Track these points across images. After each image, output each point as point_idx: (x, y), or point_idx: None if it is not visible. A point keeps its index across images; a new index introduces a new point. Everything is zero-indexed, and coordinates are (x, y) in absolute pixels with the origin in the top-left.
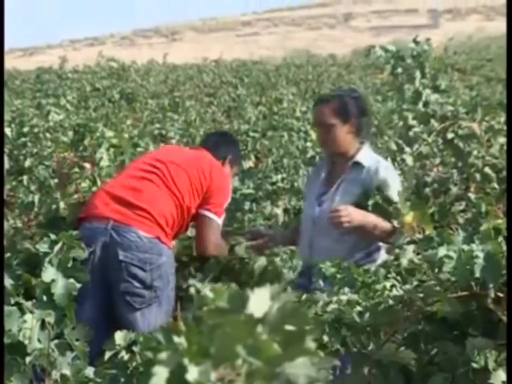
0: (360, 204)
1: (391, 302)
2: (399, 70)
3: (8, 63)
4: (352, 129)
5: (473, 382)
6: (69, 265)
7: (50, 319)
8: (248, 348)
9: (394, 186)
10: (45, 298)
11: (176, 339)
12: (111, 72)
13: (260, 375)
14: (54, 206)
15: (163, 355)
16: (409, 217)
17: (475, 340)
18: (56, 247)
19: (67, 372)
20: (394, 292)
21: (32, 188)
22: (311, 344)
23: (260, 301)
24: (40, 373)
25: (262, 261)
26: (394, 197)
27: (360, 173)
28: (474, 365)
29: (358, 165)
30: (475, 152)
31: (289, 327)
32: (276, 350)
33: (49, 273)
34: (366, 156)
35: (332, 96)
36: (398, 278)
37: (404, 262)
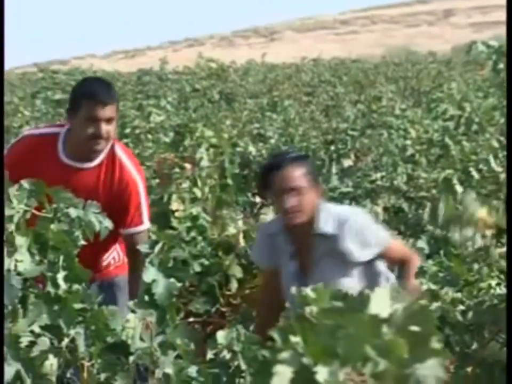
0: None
1: (495, 300)
2: (501, 65)
3: (110, 66)
4: (318, 194)
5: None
6: (170, 265)
7: (152, 318)
8: (377, 348)
9: (370, 227)
10: (146, 298)
11: (293, 339)
12: (210, 72)
13: (389, 376)
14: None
15: (285, 354)
16: (482, 212)
17: None
18: (157, 247)
19: (170, 370)
20: (498, 291)
21: None
22: (437, 345)
23: (381, 301)
24: (143, 371)
25: None
26: (378, 232)
27: (331, 240)
28: None
29: (325, 234)
30: None
31: (414, 328)
32: (405, 350)
33: (150, 273)
34: (327, 219)
35: (298, 157)
36: (502, 276)
37: (502, 261)
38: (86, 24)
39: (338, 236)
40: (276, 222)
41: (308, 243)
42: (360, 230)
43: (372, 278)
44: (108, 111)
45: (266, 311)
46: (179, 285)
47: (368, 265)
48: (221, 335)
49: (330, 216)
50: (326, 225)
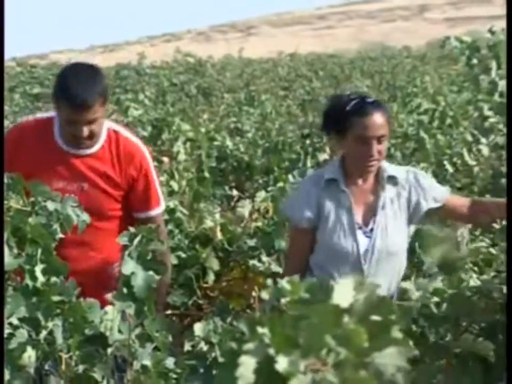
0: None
1: (468, 293)
2: (475, 60)
3: (89, 60)
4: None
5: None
6: (148, 257)
7: (131, 310)
8: (337, 337)
9: (432, 183)
10: (125, 290)
11: (260, 330)
12: (188, 67)
13: (349, 365)
14: None
15: (249, 345)
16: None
17: None
18: (136, 240)
19: (147, 362)
20: (472, 283)
21: None
22: (398, 334)
23: (344, 292)
24: (121, 363)
25: None
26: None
27: (398, 188)
28: None
29: (393, 179)
30: None
31: (375, 317)
32: (365, 339)
33: (129, 265)
34: (391, 166)
35: (380, 103)
36: (475, 268)
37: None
38: (65, 18)
39: (408, 181)
40: (332, 169)
41: (370, 191)
42: (427, 181)
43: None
44: (88, 114)
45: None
46: (157, 277)
47: (410, 229)
48: (198, 327)
49: (389, 164)
50: (396, 171)
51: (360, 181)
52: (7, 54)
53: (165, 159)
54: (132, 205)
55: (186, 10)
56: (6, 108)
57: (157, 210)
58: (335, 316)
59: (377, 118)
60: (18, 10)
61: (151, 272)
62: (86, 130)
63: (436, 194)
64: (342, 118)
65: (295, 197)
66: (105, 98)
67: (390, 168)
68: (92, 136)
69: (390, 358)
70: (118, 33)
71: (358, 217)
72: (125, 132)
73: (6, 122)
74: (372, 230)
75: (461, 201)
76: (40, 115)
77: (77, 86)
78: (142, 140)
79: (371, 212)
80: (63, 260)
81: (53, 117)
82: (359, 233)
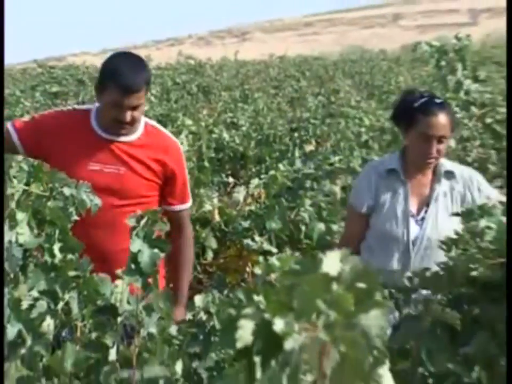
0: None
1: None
2: (443, 63)
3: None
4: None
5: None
6: (153, 237)
7: (138, 284)
8: (327, 302)
9: (487, 185)
10: (132, 266)
11: (256, 297)
12: (189, 68)
13: (338, 326)
14: None
15: (247, 310)
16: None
17: None
18: (142, 222)
19: (153, 330)
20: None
21: None
22: (379, 298)
23: (332, 263)
24: (129, 331)
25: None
26: (493, 192)
27: (452, 182)
28: None
29: (449, 174)
30: None
31: (360, 284)
32: (352, 303)
33: (136, 244)
34: (448, 163)
35: (445, 104)
36: (443, 247)
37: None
38: (80, 25)
39: (462, 177)
40: (393, 160)
41: (426, 183)
42: (481, 180)
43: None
44: (134, 99)
45: None
46: (162, 255)
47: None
48: (198, 299)
49: (448, 161)
50: (451, 166)
51: (418, 174)
52: (29, 57)
53: None
54: (166, 197)
55: (188, 17)
56: (27, 104)
57: (188, 205)
58: (325, 283)
59: (441, 119)
60: (40, 16)
61: (156, 250)
62: (129, 115)
63: (489, 193)
64: (410, 113)
65: (358, 183)
66: (148, 87)
67: (447, 164)
68: (133, 122)
69: (374, 319)
70: (128, 38)
71: (412, 207)
72: (162, 128)
73: (27, 117)
74: (423, 219)
75: None
76: (78, 106)
77: (127, 71)
78: None
79: (424, 203)
80: (93, 240)
81: (89, 109)
82: (411, 221)
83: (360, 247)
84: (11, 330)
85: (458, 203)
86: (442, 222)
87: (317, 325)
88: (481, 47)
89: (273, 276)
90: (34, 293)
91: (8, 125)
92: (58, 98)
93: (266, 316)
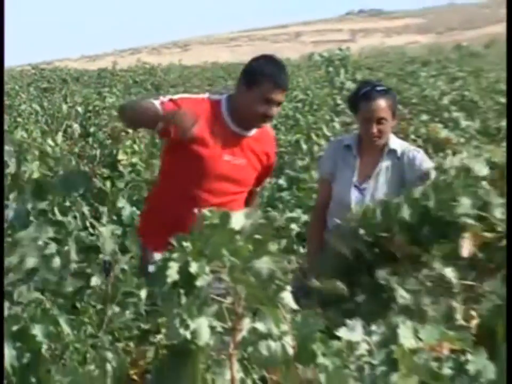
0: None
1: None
2: (330, 68)
3: (80, 66)
4: (394, 125)
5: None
6: (135, 198)
7: (118, 232)
8: (230, 250)
9: (430, 164)
10: (115, 218)
11: (185, 244)
12: (145, 71)
13: (238, 268)
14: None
15: (175, 255)
16: None
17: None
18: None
19: (125, 266)
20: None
21: (95, 145)
22: (273, 248)
23: (238, 219)
24: (108, 266)
25: None
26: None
27: (394, 159)
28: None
29: (392, 152)
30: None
31: (257, 236)
32: (249, 251)
33: (121, 202)
34: (396, 142)
35: (385, 91)
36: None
37: None
38: (63, 36)
39: (403, 155)
40: (350, 138)
41: (373, 159)
42: (420, 159)
43: None
44: (282, 96)
45: (319, 218)
46: (138, 212)
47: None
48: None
49: (398, 141)
50: (396, 145)
51: (368, 150)
52: (26, 61)
53: (130, 130)
54: (261, 179)
55: (145, 32)
56: (23, 96)
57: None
58: (230, 236)
59: (379, 103)
60: (36, 27)
61: (134, 208)
62: (275, 110)
63: (421, 165)
64: (356, 100)
65: (323, 155)
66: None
67: (394, 143)
68: (272, 119)
69: (265, 263)
70: (99, 48)
71: (359, 178)
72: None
73: (24, 106)
74: (365, 188)
75: None
76: (212, 96)
77: (278, 71)
78: (113, 120)
79: (368, 175)
80: (191, 204)
81: (220, 100)
82: (355, 191)
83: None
84: (29, 261)
85: (398, 178)
86: (381, 194)
87: (224, 267)
88: (358, 57)
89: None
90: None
91: (155, 101)
92: (47, 92)
93: (189, 259)
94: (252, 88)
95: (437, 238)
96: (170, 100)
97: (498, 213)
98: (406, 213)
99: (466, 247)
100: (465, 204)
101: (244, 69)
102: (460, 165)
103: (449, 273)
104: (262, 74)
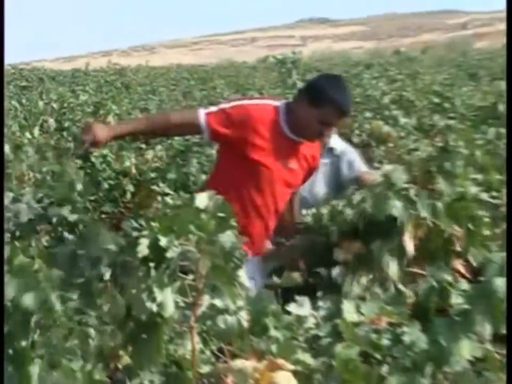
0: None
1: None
2: (283, 70)
3: (56, 66)
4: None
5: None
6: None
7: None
8: (197, 226)
9: (360, 162)
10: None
11: (152, 223)
12: (115, 71)
13: (204, 242)
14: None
15: (145, 232)
16: None
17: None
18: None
19: None
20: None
21: (69, 139)
22: (233, 223)
23: (203, 199)
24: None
25: None
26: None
27: (333, 157)
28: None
29: (331, 150)
30: None
31: (220, 214)
32: (213, 226)
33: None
34: (337, 141)
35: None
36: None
37: None
38: (41, 38)
39: (343, 155)
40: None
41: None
42: (354, 157)
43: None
44: (342, 120)
45: None
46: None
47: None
48: (124, 225)
49: (338, 141)
50: (336, 145)
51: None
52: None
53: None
54: (305, 180)
55: (114, 36)
56: (6, 93)
57: None
58: (196, 213)
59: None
60: (17, 30)
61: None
62: (331, 130)
63: (359, 169)
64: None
65: None
66: None
67: (335, 142)
68: (325, 137)
69: (228, 237)
70: (73, 50)
71: None
72: None
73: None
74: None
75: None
76: (268, 102)
77: (344, 98)
78: (86, 115)
79: None
80: (253, 212)
81: (277, 106)
82: None
83: None
84: None
85: (334, 175)
86: (318, 188)
87: (192, 241)
88: (309, 60)
89: (168, 210)
90: None
91: (200, 115)
92: (25, 90)
93: (158, 235)
94: (314, 107)
95: (378, 236)
96: (220, 110)
97: (424, 212)
98: (348, 215)
99: (409, 245)
100: (397, 206)
101: (311, 83)
102: (383, 174)
103: (393, 266)
104: (329, 98)
